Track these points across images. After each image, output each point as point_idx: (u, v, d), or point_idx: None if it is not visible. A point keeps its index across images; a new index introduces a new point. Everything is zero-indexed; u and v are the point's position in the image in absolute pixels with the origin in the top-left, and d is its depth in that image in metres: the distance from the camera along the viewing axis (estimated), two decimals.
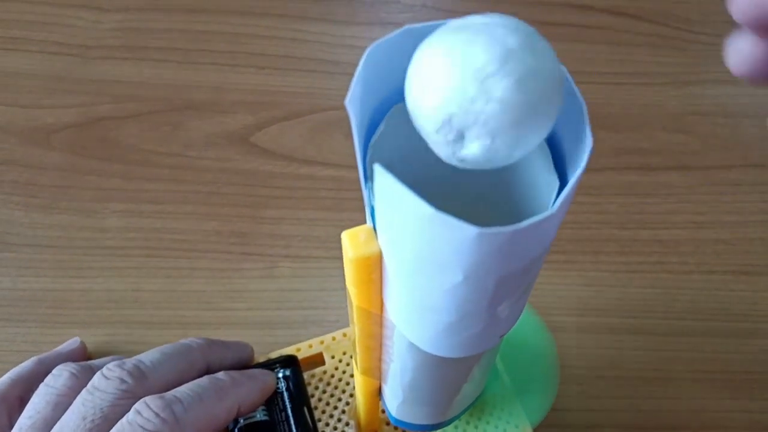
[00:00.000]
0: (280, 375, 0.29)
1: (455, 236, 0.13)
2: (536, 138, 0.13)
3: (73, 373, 0.25)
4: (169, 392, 0.24)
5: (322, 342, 0.31)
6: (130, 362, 0.24)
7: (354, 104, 0.15)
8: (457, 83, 0.13)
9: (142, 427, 0.22)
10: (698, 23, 0.46)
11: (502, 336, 0.19)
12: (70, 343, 0.31)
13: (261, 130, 0.40)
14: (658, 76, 0.44)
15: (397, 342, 0.20)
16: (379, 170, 0.13)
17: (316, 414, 0.30)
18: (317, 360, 0.31)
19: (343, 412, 0.30)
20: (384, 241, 0.16)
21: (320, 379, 0.30)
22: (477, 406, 0.29)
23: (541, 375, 0.31)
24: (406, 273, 0.16)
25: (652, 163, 0.40)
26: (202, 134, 0.40)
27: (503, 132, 0.13)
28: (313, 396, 0.30)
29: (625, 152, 0.41)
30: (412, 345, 0.19)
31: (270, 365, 0.30)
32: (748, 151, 0.41)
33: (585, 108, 0.15)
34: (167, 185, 0.38)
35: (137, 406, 0.23)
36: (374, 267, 0.17)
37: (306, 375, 0.30)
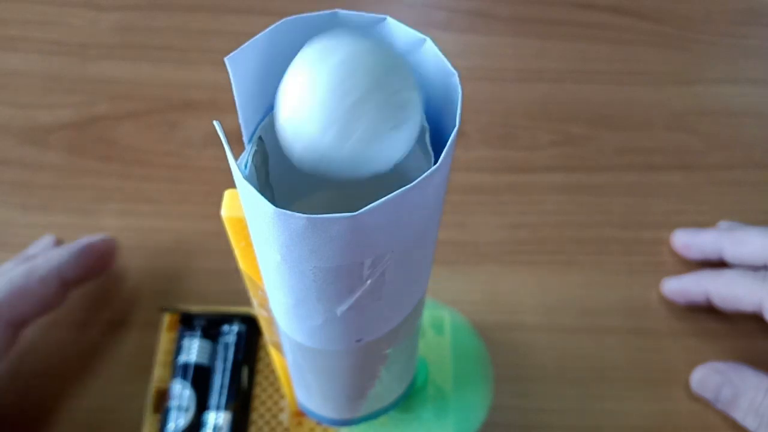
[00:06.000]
0: (235, 330, 0.31)
1: (262, 211, 0.14)
2: (383, 157, 0.14)
3: None
4: None
5: None
6: None
7: (238, 63, 0.15)
8: (307, 104, 0.13)
9: None
10: (700, 22, 0.46)
11: (362, 341, 0.19)
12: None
13: None
14: (661, 75, 0.44)
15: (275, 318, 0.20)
16: (219, 129, 0.14)
17: (258, 378, 0.31)
18: None
19: None
20: None
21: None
22: (404, 411, 0.30)
23: (474, 383, 0.32)
24: (254, 244, 0.17)
25: (655, 163, 0.40)
26: (201, 133, 0.40)
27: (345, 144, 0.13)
28: (261, 360, 0.31)
29: (628, 152, 0.40)
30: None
31: (229, 318, 0.31)
32: (750, 150, 0.41)
33: (460, 96, 0.15)
34: (165, 185, 0.38)
35: None
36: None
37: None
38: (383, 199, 0.13)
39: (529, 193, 0.38)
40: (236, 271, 0.35)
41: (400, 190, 0.13)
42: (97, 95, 0.41)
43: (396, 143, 0.14)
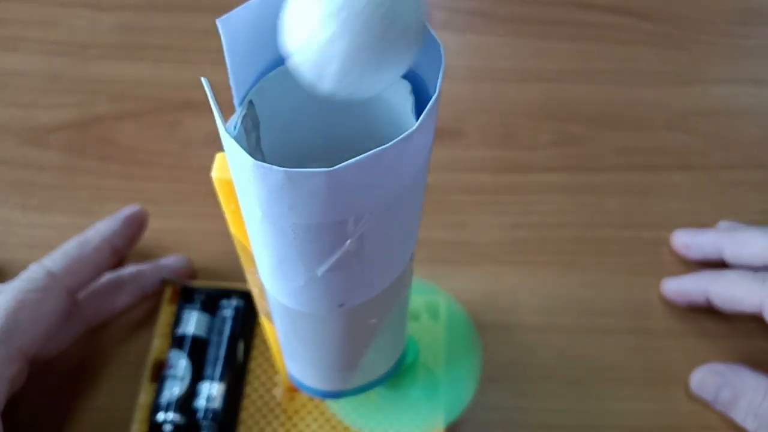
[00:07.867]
0: (234, 304, 0.32)
1: (243, 165, 0.14)
2: (387, 71, 0.14)
3: None
4: None
5: None
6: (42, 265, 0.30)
7: (230, 26, 0.15)
8: (314, 18, 0.13)
9: (22, 279, 0.29)
10: (700, 22, 0.46)
11: (345, 306, 0.19)
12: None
13: None
14: (661, 75, 0.44)
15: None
16: (206, 85, 0.14)
17: (254, 354, 0.32)
18: None
19: None
20: None
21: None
22: (393, 389, 0.30)
23: (463, 368, 0.32)
24: (240, 202, 0.17)
25: (655, 163, 0.40)
26: (201, 133, 0.40)
27: (354, 61, 0.13)
28: (257, 336, 0.32)
29: (628, 152, 0.40)
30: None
31: (227, 293, 0.32)
32: (750, 150, 0.41)
33: (443, 52, 0.15)
34: (165, 185, 0.38)
35: None
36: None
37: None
38: (360, 156, 0.13)
39: (529, 193, 0.38)
40: (235, 270, 0.35)
41: (377, 149, 0.13)
42: (97, 95, 0.41)
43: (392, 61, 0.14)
